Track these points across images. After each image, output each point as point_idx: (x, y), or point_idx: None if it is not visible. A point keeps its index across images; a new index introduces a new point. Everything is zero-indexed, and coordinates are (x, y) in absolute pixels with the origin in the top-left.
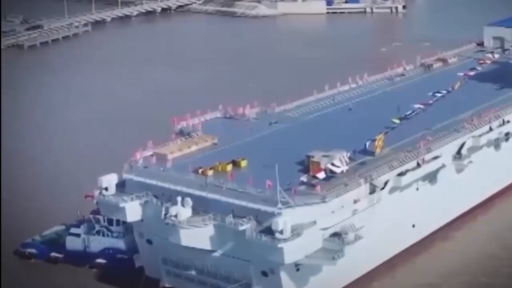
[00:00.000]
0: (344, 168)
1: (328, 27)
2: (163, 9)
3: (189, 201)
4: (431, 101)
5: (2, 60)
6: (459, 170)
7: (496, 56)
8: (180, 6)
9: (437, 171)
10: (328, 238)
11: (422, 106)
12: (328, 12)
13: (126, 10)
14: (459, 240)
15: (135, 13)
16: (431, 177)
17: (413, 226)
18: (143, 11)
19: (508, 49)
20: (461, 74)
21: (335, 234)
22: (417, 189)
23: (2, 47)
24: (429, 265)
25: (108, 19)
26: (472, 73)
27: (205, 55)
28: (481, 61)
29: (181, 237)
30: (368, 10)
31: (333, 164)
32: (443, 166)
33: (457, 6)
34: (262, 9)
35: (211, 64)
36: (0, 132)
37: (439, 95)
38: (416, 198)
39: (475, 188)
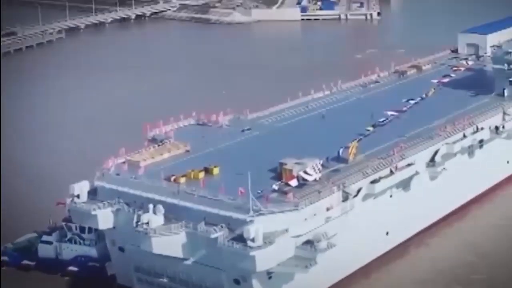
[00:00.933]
0: (317, 176)
1: (302, 34)
2: (138, 16)
3: (161, 208)
4: (405, 108)
5: None
6: (432, 177)
7: (470, 63)
8: (155, 13)
9: (410, 178)
10: (300, 245)
11: (395, 113)
12: (302, 19)
13: (101, 17)
14: (433, 247)
15: (110, 20)
16: (405, 184)
17: (387, 233)
18: (118, 18)
19: (482, 56)
20: (435, 81)
21: (308, 242)
22: (391, 196)
23: None
24: (403, 272)
25: (82, 26)
26: (446, 80)
27: (179, 62)
28: (455, 68)
29: (153, 244)
30: (342, 17)
31: (305, 172)
32: (417, 173)
33: (432, 13)
34: (237, 16)
35: (185, 71)
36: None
37: (413, 102)
38: (389, 206)
39: (449, 195)
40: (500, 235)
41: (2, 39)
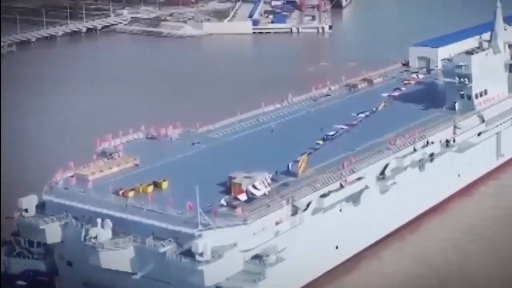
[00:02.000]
0: (266, 190)
1: (254, 47)
2: (89, 29)
3: (109, 222)
4: (355, 122)
5: None
6: (383, 191)
7: (421, 76)
8: (106, 26)
9: (360, 192)
10: (249, 260)
11: (345, 127)
12: (254, 32)
13: (52, 30)
14: (385, 260)
15: (61, 33)
16: (355, 198)
17: (337, 247)
18: (69, 31)
19: (433, 69)
20: (385, 94)
21: (257, 256)
22: (341, 210)
23: None
24: (354, 286)
25: (33, 39)
26: (396, 93)
27: (129, 75)
28: (406, 82)
29: (100, 259)
30: (294, 30)
31: (254, 187)
32: (367, 187)
33: (384, 26)
34: (188, 29)
35: (136, 84)
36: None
37: (363, 115)
38: (339, 219)
39: (400, 209)
40: (451, 248)
41: None
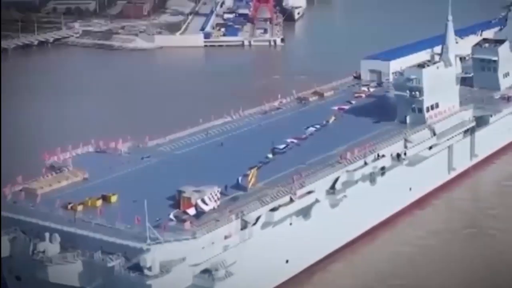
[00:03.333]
0: (215, 204)
1: (205, 60)
2: (40, 42)
3: (57, 237)
4: (304, 136)
5: None
6: (333, 205)
7: (372, 89)
8: (57, 39)
9: (311, 206)
10: (198, 274)
11: (295, 141)
12: (206, 45)
13: (3, 43)
14: (337, 273)
15: (12, 46)
16: (305, 212)
17: (287, 261)
18: (20, 44)
19: (383, 82)
20: (336, 107)
21: (206, 271)
22: (291, 224)
23: None
24: None
25: None
26: (346, 106)
27: (79, 89)
28: (357, 95)
29: (49, 273)
30: (246, 43)
31: (203, 201)
32: (317, 201)
33: (336, 39)
34: (139, 42)
35: (85, 98)
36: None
37: (313, 129)
38: (289, 234)
39: (351, 222)
40: (403, 261)
41: None
